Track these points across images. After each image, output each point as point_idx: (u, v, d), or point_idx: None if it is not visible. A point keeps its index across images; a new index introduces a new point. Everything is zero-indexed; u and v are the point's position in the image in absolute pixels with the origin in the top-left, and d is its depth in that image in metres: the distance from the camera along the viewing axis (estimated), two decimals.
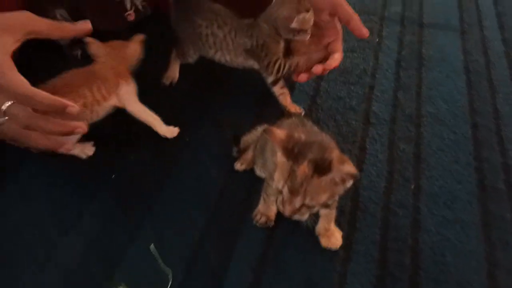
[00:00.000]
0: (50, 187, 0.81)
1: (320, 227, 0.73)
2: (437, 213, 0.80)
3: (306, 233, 0.75)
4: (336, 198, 0.68)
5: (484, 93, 1.06)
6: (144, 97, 0.87)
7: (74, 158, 0.84)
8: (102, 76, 0.81)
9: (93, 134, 0.77)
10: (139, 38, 0.87)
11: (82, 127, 0.64)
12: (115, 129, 0.89)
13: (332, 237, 0.74)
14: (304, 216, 0.62)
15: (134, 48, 0.86)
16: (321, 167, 0.57)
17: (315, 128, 0.69)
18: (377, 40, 1.22)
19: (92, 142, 0.85)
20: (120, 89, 0.83)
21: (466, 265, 0.72)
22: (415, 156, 0.91)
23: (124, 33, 0.90)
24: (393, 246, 0.75)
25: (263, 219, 0.75)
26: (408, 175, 0.87)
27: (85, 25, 0.66)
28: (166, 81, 0.99)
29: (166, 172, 0.85)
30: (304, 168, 0.57)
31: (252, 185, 0.82)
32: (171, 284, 0.69)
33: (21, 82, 0.56)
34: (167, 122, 0.89)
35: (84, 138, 0.82)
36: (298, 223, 0.77)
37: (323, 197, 0.60)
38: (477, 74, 1.12)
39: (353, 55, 1.17)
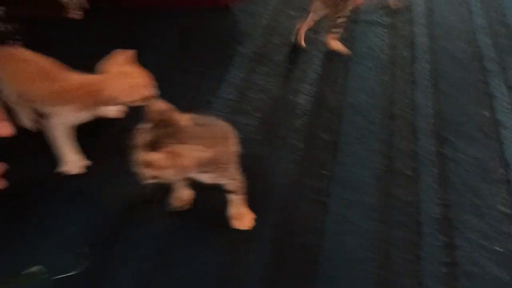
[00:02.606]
0: None
1: (231, 211, 0.78)
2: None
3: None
4: (236, 184, 0.74)
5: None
6: None
7: None
8: None
9: None
10: None
11: None
12: None
13: (245, 219, 0.78)
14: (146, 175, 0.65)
15: None
16: (150, 144, 0.63)
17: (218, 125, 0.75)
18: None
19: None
20: None
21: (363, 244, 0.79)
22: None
23: None
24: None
25: (177, 203, 0.80)
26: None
27: None
28: None
29: None
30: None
31: None
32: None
33: None
34: None
35: None
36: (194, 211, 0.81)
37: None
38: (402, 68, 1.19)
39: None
